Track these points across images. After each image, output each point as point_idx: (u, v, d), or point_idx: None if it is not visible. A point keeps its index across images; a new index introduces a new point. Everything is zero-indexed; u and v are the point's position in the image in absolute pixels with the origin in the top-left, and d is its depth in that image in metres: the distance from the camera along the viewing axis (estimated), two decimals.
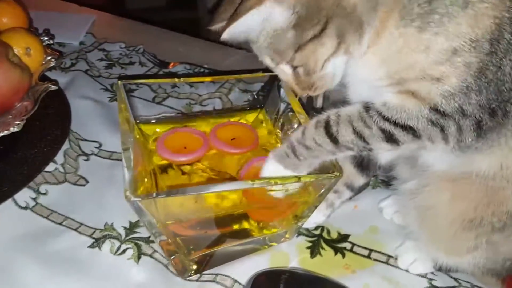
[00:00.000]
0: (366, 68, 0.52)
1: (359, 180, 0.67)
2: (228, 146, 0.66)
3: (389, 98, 0.51)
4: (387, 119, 0.51)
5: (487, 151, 0.51)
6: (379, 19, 0.49)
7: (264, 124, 0.73)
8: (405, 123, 0.50)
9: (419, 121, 0.50)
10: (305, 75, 0.54)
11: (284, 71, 0.56)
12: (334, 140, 0.53)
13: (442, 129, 0.50)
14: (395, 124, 0.50)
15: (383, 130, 0.51)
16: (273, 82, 0.70)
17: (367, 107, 0.52)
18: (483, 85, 0.47)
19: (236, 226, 0.61)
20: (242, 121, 0.74)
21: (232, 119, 0.74)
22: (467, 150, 0.51)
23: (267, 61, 0.55)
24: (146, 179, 0.61)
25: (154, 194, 0.50)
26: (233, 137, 0.68)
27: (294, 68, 0.54)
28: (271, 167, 0.56)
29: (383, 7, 0.48)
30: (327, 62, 0.51)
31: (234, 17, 0.49)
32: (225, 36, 0.50)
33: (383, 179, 0.73)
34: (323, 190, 0.57)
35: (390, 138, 0.51)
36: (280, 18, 0.49)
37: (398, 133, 0.51)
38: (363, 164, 0.66)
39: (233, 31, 0.50)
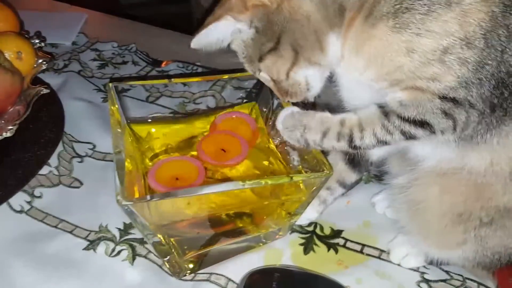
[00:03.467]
0: (353, 71, 0.53)
1: (351, 177, 0.68)
2: (218, 160, 0.65)
3: (401, 96, 0.50)
4: (407, 120, 0.50)
5: (480, 148, 0.51)
6: (346, 23, 0.49)
7: (257, 121, 0.73)
8: (423, 118, 0.50)
9: (434, 113, 0.49)
10: (278, 82, 0.56)
11: (264, 78, 0.58)
12: (354, 147, 0.53)
13: (454, 120, 0.49)
14: (415, 122, 0.50)
15: (404, 133, 0.51)
16: None
17: (386, 113, 0.52)
18: (484, 78, 0.47)
19: (230, 225, 0.61)
20: None
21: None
22: (463, 144, 0.52)
23: (248, 69, 0.57)
24: (139, 181, 0.61)
25: (147, 198, 0.50)
26: (222, 147, 0.67)
27: None
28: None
29: (350, 13, 0.49)
30: (292, 72, 0.53)
31: (197, 31, 0.53)
32: (192, 45, 0.55)
33: (375, 173, 0.73)
34: (314, 188, 0.57)
35: (410, 137, 0.52)
36: (243, 31, 0.52)
37: (417, 132, 0.51)
38: (354, 161, 0.66)
39: (197, 43, 0.55)
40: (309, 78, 0.54)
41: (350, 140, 0.53)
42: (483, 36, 0.45)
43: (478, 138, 0.51)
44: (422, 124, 0.50)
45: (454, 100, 0.48)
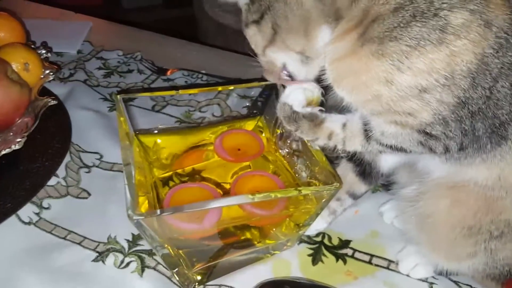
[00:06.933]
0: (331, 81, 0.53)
1: (361, 188, 0.67)
2: (231, 157, 0.67)
3: (384, 128, 0.52)
4: (385, 145, 0.53)
5: (483, 165, 0.51)
6: (341, 32, 0.49)
7: (264, 132, 0.73)
8: (401, 146, 0.52)
9: (411, 143, 0.51)
10: (257, 55, 0.57)
11: None
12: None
13: (431, 148, 0.51)
14: (391, 147, 0.53)
15: (380, 152, 0.55)
16: (272, 89, 0.70)
17: (368, 137, 0.54)
18: (465, 116, 0.47)
19: (239, 237, 0.61)
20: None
21: (231, 127, 0.74)
22: (459, 163, 0.52)
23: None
24: (147, 192, 0.61)
25: (157, 212, 0.50)
26: (239, 147, 0.68)
27: None
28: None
29: (347, 24, 0.48)
30: (269, 50, 0.54)
31: None
32: None
33: (383, 183, 0.73)
34: (323, 200, 0.57)
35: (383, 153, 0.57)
36: None
37: (393, 152, 0.54)
38: (365, 172, 0.66)
39: None
40: (288, 65, 0.55)
41: (334, 147, 0.57)
42: (471, 75, 0.45)
43: (468, 159, 0.52)
44: (399, 149, 0.53)
45: (429, 134, 0.49)
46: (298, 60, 0.54)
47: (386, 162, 0.65)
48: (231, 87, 0.81)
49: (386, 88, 0.46)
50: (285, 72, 0.57)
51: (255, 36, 0.54)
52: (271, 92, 0.71)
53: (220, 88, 0.83)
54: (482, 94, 0.45)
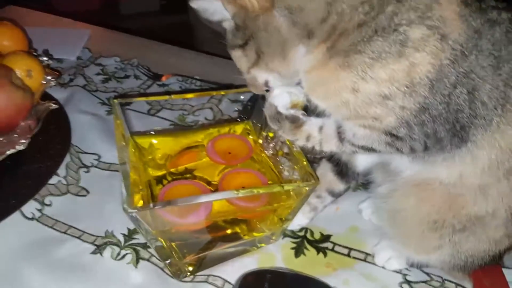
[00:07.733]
0: (306, 89, 0.58)
1: (340, 186, 0.72)
2: (223, 160, 0.71)
3: (355, 130, 0.57)
4: (357, 146, 0.58)
5: (445, 164, 0.56)
6: (314, 47, 0.53)
7: (251, 135, 0.78)
8: (371, 147, 0.57)
9: (379, 144, 0.56)
10: (241, 72, 0.61)
11: None
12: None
13: (397, 149, 0.56)
14: (363, 148, 0.58)
15: (354, 152, 0.60)
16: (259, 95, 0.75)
17: (341, 139, 0.59)
18: (427, 120, 0.51)
19: (227, 231, 0.65)
20: (231, 131, 0.79)
21: (222, 130, 0.79)
22: (425, 161, 0.57)
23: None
24: (142, 190, 0.66)
25: (150, 206, 0.54)
26: (229, 150, 0.73)
27: None
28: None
29: (318, 39, 0.52)
30: (252, 70, 0.58)
31: None
32: (191, 3, 0.57)
33: (363, 182, 0.78)
34: (303, 196, 0.62)
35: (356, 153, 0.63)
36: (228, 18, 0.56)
37: (365, 153, 0.59)
38: (342, 172, 0.71)
39: (195, 3, 0.56)
40: (269, 82, 0.59)
41: (312, 148, 0.62)
42: (429, 84, 0.49)
43: (431, 158, 0.56)
44: (369, 149, 0.58)
45: (395, 136, 0.54)
46: (278, 77, 0.58)
47: (361, 162, 0.69)
48: (223, 93, 0.86)
49: (353, 96, 0.51)
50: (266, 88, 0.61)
51: (240, 58, 0.58)
52: (258, 98, 0.76)
53: (214, 93, 0.88)
54: (442, 100, 0.50)
